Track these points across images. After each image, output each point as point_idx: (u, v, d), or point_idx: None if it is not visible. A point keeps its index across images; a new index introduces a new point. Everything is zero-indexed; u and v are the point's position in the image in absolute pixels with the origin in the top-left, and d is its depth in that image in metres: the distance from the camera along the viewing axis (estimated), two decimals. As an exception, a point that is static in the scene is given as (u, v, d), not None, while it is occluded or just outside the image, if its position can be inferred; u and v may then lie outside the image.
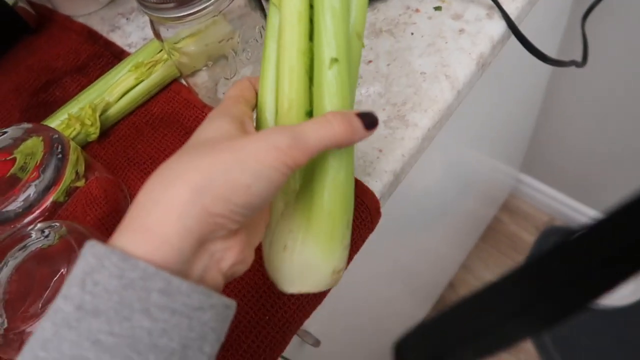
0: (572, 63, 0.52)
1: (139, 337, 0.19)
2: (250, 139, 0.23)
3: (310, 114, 0.27)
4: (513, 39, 0.45)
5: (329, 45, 0.25)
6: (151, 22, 0.38)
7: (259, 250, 0.29)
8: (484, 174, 0.93)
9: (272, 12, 0.28)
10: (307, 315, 0.37)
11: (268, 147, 0.22)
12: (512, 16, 0.44)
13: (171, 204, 0.21)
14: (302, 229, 0.27)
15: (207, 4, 0.34)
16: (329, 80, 0.25)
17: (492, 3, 0.44)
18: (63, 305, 0.19)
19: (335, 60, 0.25)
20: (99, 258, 0.19)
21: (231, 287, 0.36)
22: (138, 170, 0.43)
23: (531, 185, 1.21)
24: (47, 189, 0.35)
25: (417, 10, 0.46)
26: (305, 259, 0.27)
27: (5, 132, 0.37)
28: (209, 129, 0.25)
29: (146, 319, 0.19)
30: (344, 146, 0.25)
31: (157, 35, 0.38)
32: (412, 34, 0.45)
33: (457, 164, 0.70)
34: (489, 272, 1.24)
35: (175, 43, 0.39)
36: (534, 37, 0.45)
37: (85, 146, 0.45)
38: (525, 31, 0.44)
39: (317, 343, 0.49)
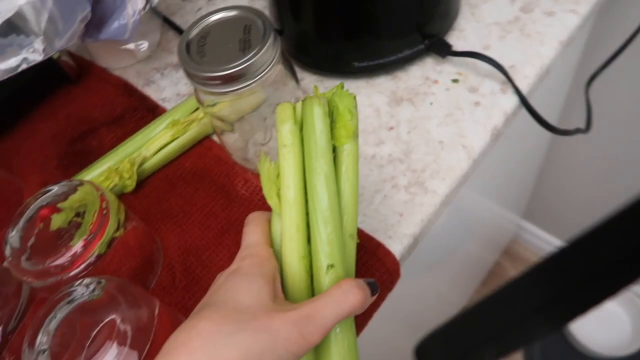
0: (577, 131, 0.56)
1: None
2: (283, 321, 0.25)
3: None
4: (523, 109, 0.48)
5: (324, 253, 0.28)
6: (195, 89, 0.41)
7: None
8: (487, 219, 0.96)
9: (274, 219, 0.31)
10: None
11: (297, 336, 0.25)
12: (524, 91, 0.47)
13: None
14: None
15: (251, 82, 0.37)
16: (327, 284, 0.28)
17: (505, 79, 0.48)
18: None
19: (331, 266, 0.28)
20: None
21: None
22: (170, 222, 0.46)
23: (532, 232, 1.24)
24: (91, 243, 0.37)
25: (435, 82, 0.50)
26: None
27: (53, 189, 0.40)
28: (247, 292, 0.26)
29: None
30: (355, 314, 0.27)
31: (199, 100, 0.42)
32: (431, 103, 0.48)
33: (462, 210, 0.72)
34: (489, 315, 1.25)
35: (212, 106, 0.42)
36: (539, 104, 0.48)
37: (121, 197, 0.48)
38: (531, 99, 0.48)
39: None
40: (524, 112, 0.48)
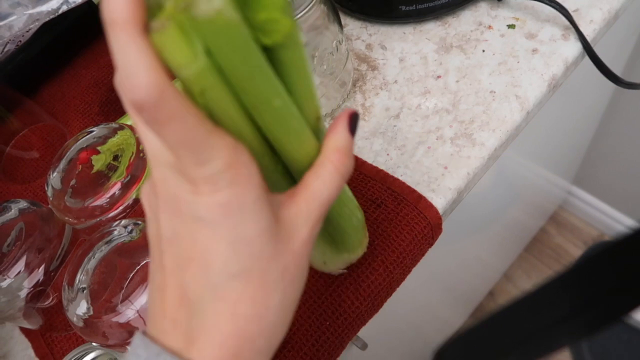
0: (645, 85, 0.51)
1: None
2: (299, 250, 0.22)
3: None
4: (585, 59, 0.44)
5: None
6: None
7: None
8: (535, 184, 0.92)
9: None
10: (364, 322, 0.38)
11: (310, 247, 0.23)
12: (589, 38, 0.43)
13: (218, 331, 0.21)
14: (330, 250, 0.33)
15: (291, 20, 0.35)
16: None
17: (568, 23, 0.43)
18: None
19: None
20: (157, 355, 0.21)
21: (309, 284, 0.37)
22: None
23: (583, 198, 1.18)
24: (129, 186, 0.37)
25: (489, 27, 0.46)
26: (339, 262, 0.35)
27: (93, 131, 0.40)
28: (256, 224, 0.21)
29: None
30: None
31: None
32: (483, 51, 0.45)
33: (509, 173, 0.69)
34: (530, 283, 1.22)
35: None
36: (603, 53, 0.44)
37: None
38: (596, 47, 0.43)
39: (364, 346, 0.50)
40: (586, 61, 0.44)
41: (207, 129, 0.19)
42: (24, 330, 0.42)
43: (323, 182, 0.23)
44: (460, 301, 1.03)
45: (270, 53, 0.20)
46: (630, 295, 0.16)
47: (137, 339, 0.22)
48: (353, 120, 0.24)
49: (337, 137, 0.24)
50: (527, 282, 1.21)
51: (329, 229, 0.31)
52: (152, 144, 0.20)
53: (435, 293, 0.79)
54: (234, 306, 0.21)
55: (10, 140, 0.51)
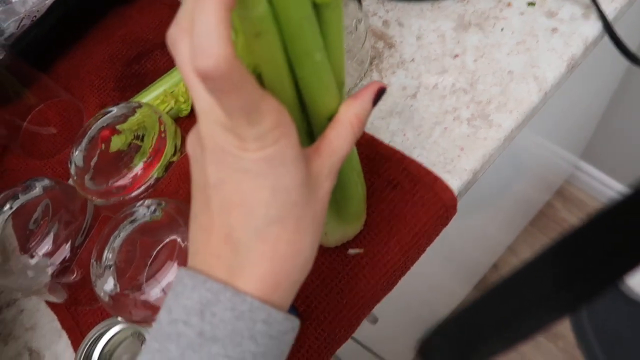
0: (663, 64, 0.50)
1: (246, 359, 0.22)
2: (323, 197, 0.25)
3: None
4: (605, 38, 0.44)
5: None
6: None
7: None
8: (542, 157, 0.92)
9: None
10: (379, 299, 0.39)
11: (330, 193, 0.26)
12: (610, 17, 0.43)
13: (260, 266, 0.23)
14: (333, 219, 0.35)
15: None
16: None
17: (589, 1, 0.43)
18: (186, 331, 0.22)
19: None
20: (215, 293, 0.23)
21: (316, 273, 0.38)
22: (224, 148, 0.46)
23: (590, 173, 1.18)
24: (151, 166, 0.38)
25: (509, 5, 0.45)
26: (339, 234, 0.37)
27: (112, 110, 0.40)
28: (294, 176, 0.23)
29: (252, 344, 0.23)
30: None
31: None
32: (502, 29, 0.44)
33: (519, 148, 0.69)
34: (534, 255, 1.24)
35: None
36: (623, 32, 0.44)
37: (176, 121, 0.48)
38: (616, 26, 0.43)
39: (375, 320, 0.52)
40: (605, 41, 0.44)
41: (260, 95, 0.21)
42: (49, 304, 0.43)
43: (342, 140, 0.26)
44: (464, 274, 1.05)
45: (316, 11, 0.23)
46: (617, 263, 0.16)
47: (181, 272, 0.24)
48: (379, 95, 0.27)
49: (360, 104, 0.27)
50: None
51: (336, 195, 0.32)
52: (203, 102, 0.22)
53: (442, 266, 0.81)
54: (274, 246, 0.23)
55: (27, 116, 0.51)
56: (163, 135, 0.38)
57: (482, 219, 0.84)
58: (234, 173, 0.23)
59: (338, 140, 0.26)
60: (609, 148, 1.08)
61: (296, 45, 0.23)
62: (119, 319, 0.37)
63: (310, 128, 0.28)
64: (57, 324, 0.42)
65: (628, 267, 0.16)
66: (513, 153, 0.67)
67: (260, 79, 0.24)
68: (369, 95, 0.27)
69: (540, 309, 0.18)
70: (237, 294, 0.23)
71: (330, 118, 0.27)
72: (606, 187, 1.17)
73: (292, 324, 0.24)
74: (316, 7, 0.23)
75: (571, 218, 1.24)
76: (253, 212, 0.23)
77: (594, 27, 0.43)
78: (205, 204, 0.24)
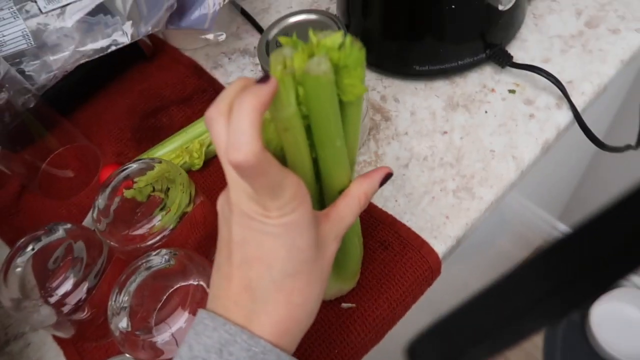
0: (628, 148, 0.57)
1: None
2: (329, 257, 0.30)
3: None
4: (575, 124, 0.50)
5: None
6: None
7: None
8: (522, 216, 0.97)
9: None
10: (367, 350, 0.43)
11: (334, 256, 0.31)
12: (579, 108, 0.49)
13: (276, 313, 0.28)
14: (333, 276, 0.39)
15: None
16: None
17: (562, 94, 0.49)
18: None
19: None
20: (233, 335, 0.27)
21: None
22: (231, 201, 0.50)
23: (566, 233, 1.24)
24: (168, 218, 0.42)
25: (492, 90, 0.51)
26: (335, 290, 0.40)
27: (132, 166, 0.44)
28: (307, 238, 0.28)
29: None
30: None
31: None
32: (486, 112, 0.50)
33: (499, 208, 0.74)
34: (513, 310, 1.27)
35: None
36: (590, 119, 0.50)
37: (187, 173, 0.52)
38: (584, 114, 0.49)
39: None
40: (575, 127, 0.50)
41: (283, 175, 0.26)
42: (56, 338, 0.46)
43: (350, 211, 0.31)
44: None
45: (340, 105, 0.28)
46: (601, 272, 0.17)
47: (202, 313, 0.28)
48: (386, 178, 0.33)
49: (369, 184, 0.32)
50: (509, 310, 1.26)
51: (338, 255, 0.35)
52: (234, 178, 0.27)
53: (423, 318, 0.84)
54: (288, 296, 0.28)
55: (47, 158, 0.55)
56: (182, 192, 0.42)
57: (465, 272, 0.88)
58: (256, 234, 0.27)
59: (346, 210, 0.31)
60: (583, 212, 1.14)
61: (321, 134, 0.28)
62: (126, 356, 0.40)
63: (321, 197, 0.33)
64: (62, 359, 0.45)
65: (621, 273, 0.17)
66: (495, 214, 0.72)
67: (284, 153, 0.30)
68: (378, 177, 0.32)
69: (530, 314, 0.18)
70: (252, 337, 0.27)
71: (341, 191, 0.32)
72: (582, 248, 1.23)
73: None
74: (341, 102, 0.28)
75: (548, 276, 1.29)
76: (271, 267, 0.28)
77: (565, 115, 0.49)
78: (227, 257, 0.29)
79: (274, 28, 0.42)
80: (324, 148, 0.29)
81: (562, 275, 0.17)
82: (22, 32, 0.49)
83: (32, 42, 0.49)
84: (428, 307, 0.81)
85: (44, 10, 0.49)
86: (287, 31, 0.42)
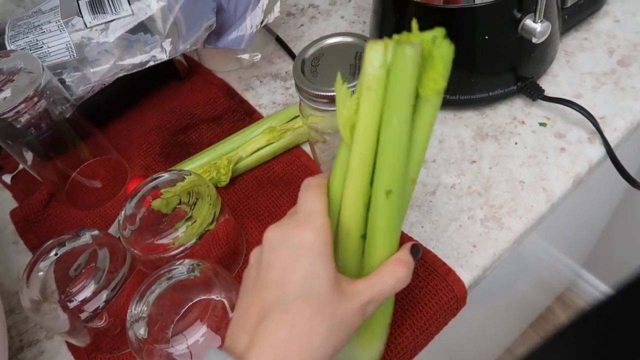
0: (661, 189, 0.55)
1: None
2: (354, 310, 0.29)
3: (364, 236, 0.32)
4: (608, 160, 0.49)
5: (386, 178, 0.30)
6: (300, 101, 0.45)
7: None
8: (545, 262, 0.95)
9: (342, 150, 0.32)
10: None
11: (362, 319, 0.29)
12: (612, 144, 0.48)
13: (276, 336, 0.27)
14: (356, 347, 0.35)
15: (356, 103, 0.40)
16: (383, 213, 0.31)
17: (594, 129, 0.48)
18: None
19: (390, 192, 0.30)
20: None
21: None
22: (255, 219, 0.50)
23: (590, 282, 1.20)
24: (193, 230, 0.42)
25: (522, 122, 0.51)
26: (351, 354, 0.35)
27: (163, 175, 0.45)
28: (318, 276, 0.28)
29: None
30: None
31: (301, 111, 0.45)
32: (515, 143, 0.50)
33: (524, 250, 0.72)
34: (532, 360, 1.22)
35: (308, 117, 0.46)
36: (623, 156, 0.49)
37: (214, 189, 0.52)
38: (617, 151, 0.48)
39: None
40: (608, 163, 0.49)
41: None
42: (70, 347, 0.45)
43: (387, 288, 0.30)
44: (462, 370, 1.04)
45: (417, 103, 0.29)
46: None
47: (209, 352, 0.27)
48: (414, 251, 0.32)
49: (408, 275, 0.31)
50: (529, 360, 1.21)
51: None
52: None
53: (437, 357, 0.81)
54: (294, 317, 0.27)
55: (78, 167, 0.56)
56: (210, 204, 0.42)
57: (484, 317, 0.85)
58: (281, 255, 0.29)
59: (383, 286, 0.30)
60: (609, 260, 1.11)
61: (391, 112, 0.29)
62: (141, 369, 0.39)
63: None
64: (75, 369, 0.44)
65: None
66: (519, 254, 0.71)
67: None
68: (405, 250, 0.32)
69: None
70: None
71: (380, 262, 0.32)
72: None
73: None
74: (417, 99, 0.29)
75: (571, 326, 1.24)
76: (286, 288, 0.28)
77: (598, 150, 0.48)
78: (253, 286, 0.30)
79: (310, 48, 0.42)
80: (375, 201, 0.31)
81: (596, 348, 0.17)
82: (67, 45, 0.51)
83: (75, 55, 0.51)
84: (446, 349, 0.78)
85: (88, 25, 0.51)
86: (323, 52, 0.42)
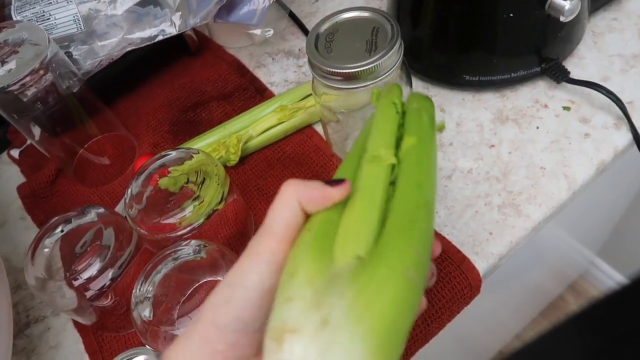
0: (687, 179, 0.53)
1: None
2: None
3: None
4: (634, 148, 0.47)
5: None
6: (313, 79, 0.43)
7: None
8: (559, 249, 0.93)
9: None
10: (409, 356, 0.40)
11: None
12: (640, 130, 0.46)
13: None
14: None
15: (370, 82, 0.38)
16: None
17: (621, 114, 0.46)
18: None
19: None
20: None
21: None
22: (264, 200, 0.49)
23: (604, 270, 1.18)
24: (201, 209, 0.40)
25: (545, 106, 0.49)
26: None
27: (171, 153, 0.43)
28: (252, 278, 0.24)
29: None
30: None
31: (314, 89, 0.44)
32: (537, 127, 0.48)
33: (538, 237, 0.71)
34: (541, 348, 1.21)
35: (321, 95, 0.44)
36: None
37: (223, 169, 0.51)
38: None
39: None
40: (634, 150, 0.47)
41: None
42: (76, 325, 0.45)
43: None
44: (469, 356, 1.03)
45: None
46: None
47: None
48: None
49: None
50: (538, 347, 1.20)
51: None
52: None
53: (449, 346, 0.80)
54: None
55: (85, 143, 0.55)
56: (218, 184, 0.41)
57: (495, 303, 0.84)
58: None
59: None
60: (624, 249, 1.09)
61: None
62: (147, 348, 0.39)
63: None
64: (81, 347, 0.44)
65: None
66: (534, 241, 0.69)
67: None
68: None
69: None
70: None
71: None
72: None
73: None
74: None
75: (582, 314, 1.23)
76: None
77: (624, 137, 0.46)
78: None
79: (325, 23, 0.41)
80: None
81: (603, 339, 0.17)
82: (74, 17, 0.49)
83: (82, 27, 0.49)
84: (451, 337, 0.77)
85: (96, -4, 0.49)
86: (338, 27, 0.40)
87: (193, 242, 0.38)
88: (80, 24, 0.50)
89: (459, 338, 0.84)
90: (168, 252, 0.38)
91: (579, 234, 0.89)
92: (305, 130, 0.52)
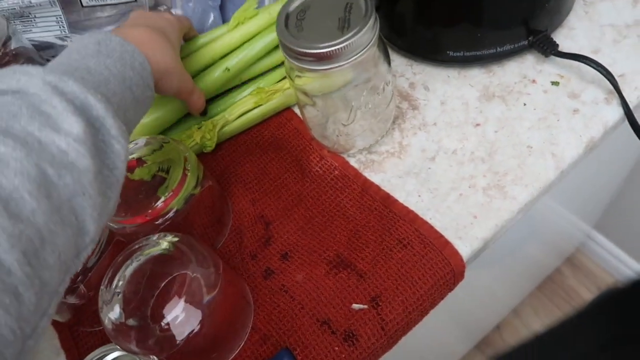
0: (682, 153, 0.51)
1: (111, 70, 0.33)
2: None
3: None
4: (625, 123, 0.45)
5: None
6: (285, 60, 0.41)
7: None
8: (555, 223, 0.92)
9: None
10: (378, 357, 0.39)
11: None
12: (631, 104, 0.44)
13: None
14: None
15: (344, 62, 0.36)
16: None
17: (612, 88, 0.44)
18: (91, 46, 0.33)
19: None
20: (107, 35, 0.35)
21: (328, 315, 0.38)
22: (242, 187, 0.47)
23: (600, 243, 1.17)
24: (170, 200, 0.39)
25: (533, 81, 0.47)
26: None
27: (139, 142, 0.42)
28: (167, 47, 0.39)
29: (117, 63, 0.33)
30: None
31: (288, 72, 0.41)
32: (524, 104, 0.46)
33: (533, 211, 0.69)
34: (538, 320, 1.21)
35: (298, 77, 0.42)
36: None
37: (198, 156, 0.49)
38: (637, 113, 0.44)
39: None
40: (624, 125, 0.45)
41: None
42: (52, 322, 0.44)
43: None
44: (466, 332, 1.03)
45: None
46: None
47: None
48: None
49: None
50: (534, 320, 1.20)
51: None
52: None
53: (444, 324, 0.80)
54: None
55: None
56: (187, 171, 0.39)
57: (490, 278, 0.83)
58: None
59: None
60: (621, 221, 1.08)
61: None
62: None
63: None
64: (57, 342, 0.43)
65: None
66: (528, 216, 0.67)
67: None
68: None
69: None
70: (124, 41, 0.35)
71: None
72: (616, 259, 1.16)
73: (139, 58, 0.35)
74: None
75: (578, 287, 1.22)
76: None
77: (615, 112, 0.44)
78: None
79: (295, 0, 0.38)
80: None
81: (619, 328, 0.16)
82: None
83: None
84: (447, 313, 0.76)
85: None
86: (309, 4, 0.38)
87: (162, 234, 0.37)
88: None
89: (453, 313, 0.83)
90: (136, 246, 0.37)
91: (574, 208, 0.88)
92: (284, 113, 0.50)
